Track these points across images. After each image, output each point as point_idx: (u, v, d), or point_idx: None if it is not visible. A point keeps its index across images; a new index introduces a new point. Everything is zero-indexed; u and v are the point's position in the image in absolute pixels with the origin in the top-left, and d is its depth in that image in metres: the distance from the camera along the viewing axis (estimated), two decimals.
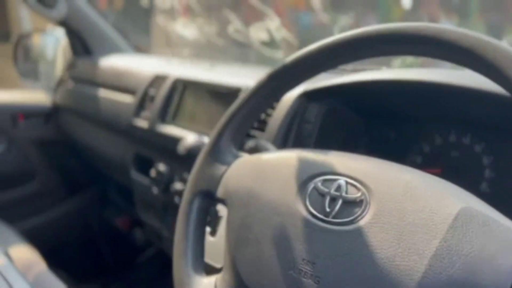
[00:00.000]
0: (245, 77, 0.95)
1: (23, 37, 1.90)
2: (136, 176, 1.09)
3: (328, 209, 0.42)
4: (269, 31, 1.16)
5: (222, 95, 0.91)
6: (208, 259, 0.77)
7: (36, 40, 2.19)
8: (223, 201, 0.53)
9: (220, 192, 0.54)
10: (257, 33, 1.19)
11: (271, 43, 1.20)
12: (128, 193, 1.60)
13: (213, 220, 0.80)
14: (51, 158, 1.57)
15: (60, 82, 1.52)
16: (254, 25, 1.18)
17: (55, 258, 1.16)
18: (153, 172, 1.01)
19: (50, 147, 1.56)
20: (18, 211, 1.51)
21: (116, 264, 1.67)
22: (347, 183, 0.43)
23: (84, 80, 1.39)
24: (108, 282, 1.61)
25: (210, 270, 0.77)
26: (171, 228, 0.98)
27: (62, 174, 1.61)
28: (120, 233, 1.58)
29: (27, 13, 5.40)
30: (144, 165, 1.08)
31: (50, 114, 1.54)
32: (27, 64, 2.09)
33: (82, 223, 1.66)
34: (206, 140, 0.73)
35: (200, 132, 0.92)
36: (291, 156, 0.49)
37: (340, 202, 0.42)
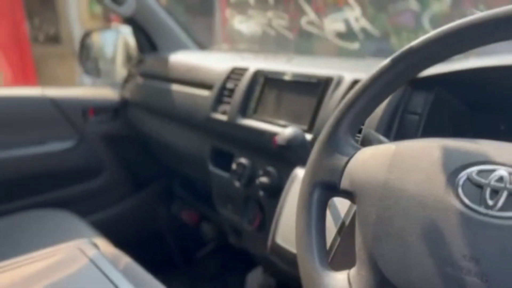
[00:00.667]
0: (332, 68, 0.92)
1: (86, 36, 1.95)
2: (214, 170, 1.09)
3: (490, 202, 0.39)
4: (346, 22, 1.12)
5: (309, 86, 0.89)
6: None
7: (96, 39, 2.25)
8: (349, 194, 0.51)
9: (345, 184, 0.51)
10: (332, 24, 1.15)
11: (347, 34, 1.16)
12: (193, 188, 1.61)
13: None
14: (118, 153, 1.61)
15: (128, 78, 1.54)
16: (329, 16, 1.15)
17: (122, 251, 1.18)
18: (234, 166, 1.00)
19: (118, 142, 1.59)
20: (86, 205, 1.56)
21: (181, 257, 1.69)
22: (510, 174, 0.39)
23: (154, 76, 1.40)
24: (173, 275, 1.63)
25: None
26: (253, 222, 0.97)
27: (128, 169, 1.65)
28: (186, 227, 1.60)
29: (76, 15, 5.60)
30: (223, 159, 1.08)
31: (119, 109, 1.57)
32: (88, 62, 2.15)
33: (148, 217, 1.69)
34: (303, 133, 0.71)
35: (284, 125, 0.90)
36: (431, 145, 0.46)
37: (505, 194, 0.38)
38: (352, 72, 0.85)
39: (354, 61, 1.03)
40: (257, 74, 1.01)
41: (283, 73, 0.95)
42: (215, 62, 1.18)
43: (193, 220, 1.54)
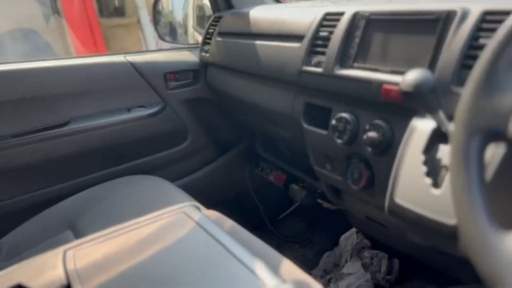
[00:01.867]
0: (448, 1, 0.79)
1: (157, 1, 1.92)
2: (309, 128, 1.02)
3: None
4: None
5: (425, 24, 0.77)
6: (435, 214, 0.67)
7: (166, 4, 2.22)
8: None
9: None
10: None
11: None
12: (276, 148, 1.56)
13: (435, 169, 0.69)
14: (201, 116, 1.59)
15: (206, 39, 1.49)
16: None
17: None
18: (333, 122, 0.92)
19: (200, 105, 1.57)
20: (174, 170, 1.57)
21: (269, 217, 1.67)
22: None
23: (234, 33, 1.34)
24: (262, 234, 1.63)
25: (440, 228, 0.67)
26: (358, 182, 0.89)
27: (212, 132, 1.63)
28: (272, 187, 1.56)
29: None
30: (319, 115, 1.00)
31: (199, 72, 1.53)
32: (162, 27, 2.14)
33: (233, 179, 1.68)
34: (428, 74, 0.60)
35: (394, 72, 0.80)
36: None
37: None
38: (477, 2, 0.72)
39: None
40: (357, 17, 0.90)
41: (390, 13, 0.84)
42: (302, 11, 1.09)
43: (281, 181, 1.50)
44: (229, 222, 0.89)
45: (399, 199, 0.73)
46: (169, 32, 2.23)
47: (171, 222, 0.83)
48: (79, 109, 1.33)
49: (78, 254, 0.78)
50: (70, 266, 0.75)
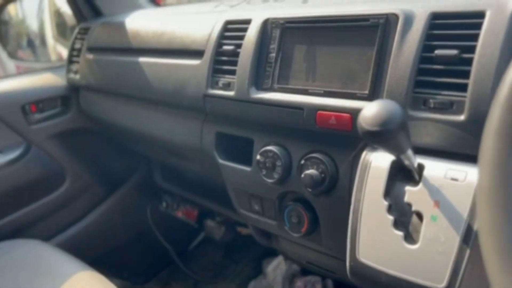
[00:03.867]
0: (382, 2, 0.66)
1: (2, 7, 1.53)
2: (226, 163, 0.82)
3: None
4: None
5: (358, 31, 0.62)
6: (419, 277, 0.53)
7: (13, 11, 1.81)
8: None
9: None
10: None
11: None
12: (180, 176, 1.33)
13: (404, 218, 0.55)
14: (79, 151, 1.29)
15: (72, 56, 1.19)
16: None
17: (109, 263, 0.94)
18: (258, 156, 0.74)
19: (76, 138, 1.27)
20: (51, 224, 1.25)
21: (177, 252, 1.43)
22: None
23: (110, 49, 1.07)
24: (173, 271, 1.40)
25: None
26: (298, 227, 0.73)
27: (95, 168, 1.33)
28: (182, 224, 1.33)
29: None
30: (236, 147, 0.81)
31: (69, 98, 1.23)
32: (10, 42, 1.74)
33: (133, 220, 1.40)
34: (397, 107, 0.45)
35: (328, 94, 0.65)
36: None
37: None
38: (416, 2, 0.60)
39: None
40: (268, 25, 0.73)
41: (310, 19, 0.68)
42: (196, 20, 0.88)
43: (192, 218, 1.28)
44: None
45: (364, 258, 0.58)
46: (24, 46, 1.83)
47: None
48: None
49: None
50: None
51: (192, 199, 1.26)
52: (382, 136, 0.45)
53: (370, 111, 0.45)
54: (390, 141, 0.46)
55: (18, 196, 1.16)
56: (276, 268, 1.28)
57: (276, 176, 0.72)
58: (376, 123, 0.44)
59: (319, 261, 0.79)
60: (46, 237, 1.13)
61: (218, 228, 1.20)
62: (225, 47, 0.78)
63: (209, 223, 1.23)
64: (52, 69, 1.29)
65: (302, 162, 0.69)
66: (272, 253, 1.38)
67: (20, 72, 1.27)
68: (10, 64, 4.77)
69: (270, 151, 0.72)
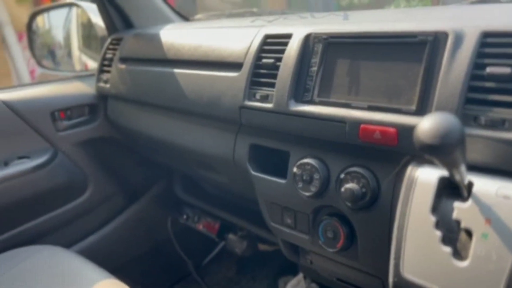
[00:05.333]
0: (424, 20, 0.67)
1: (33, 19, 1.57)
2: (261, 175, 0.82)
3: None
4: None
5: (406, 48, 0.63)
6: None
7: (41, 21, 1.85)
8: None
9: None
10: None
11: None
12: (201, 189, 1.33)
13: (452, 234, 0.54)
14: (103, 160, 1.29)
15: (103, 66, 1.21)
16: None
17: (126, 272, 0.94)
18: (295, 169, 0.74)
19: (100, 146, 1.28)
20: (72, 232, 1.25)
21: (194, 265, 1.42)
22: None
23: (143, 60, 1.08)
24: (189, 284, 1.38)
25: None
26: (334, 242, 0.72)
27: (117, 178, 1.33)
28: (202, 237, 1.32)
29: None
30: (271, 160, 0.81)
31: (97, 106, 1.24)
32: (40, 51, 1.77)
33: (152, 230, 1.40)
34: (451, 118, 0.45)
35: (372, 108, 0.65)
36: None
37: None
38: (467, 21, 0.60)
39: (442, 8, 0.79)
40: (310, 40, 0.74)
41: (355, 35, 0.69)
42: (234, 33, 0.89)
43: (213, 231, 1.27)
44: None
45: (410, 274, 0.57)
46: (52, 55, 1.87)
47: None
48: None
49: None
50: None
51: (213, 212, 1.25)
52: (441, 150, 0.44)
53: (429, 124, 0.45)
54: (448, 155, 0.46)
55: (42, 201, 1.16)
56: (295, 287, 1.26)
57: (313, 189, 0.72)
58: (436, 136, 0.44)
59: (351, 278, 0.77)
60: (67, 244, 1.13)
61: (240, 242, 1.19)
62: (265, 60, 0.79)
63: (231, 237, 1.22)
64: (81, 77, 1.31)
65: (342, 176, 0.68)
66: (287, 271, 1.37)
67: (50, 80, 1.28)
68: (23, 65, 4.84)
69: (308, 164, 0.72)
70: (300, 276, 1.30)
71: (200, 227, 1.29)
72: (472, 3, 0.86)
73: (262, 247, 1.29)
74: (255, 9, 1.27)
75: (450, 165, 0.49)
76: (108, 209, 1.32)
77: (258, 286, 1.45)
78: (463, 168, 0.50)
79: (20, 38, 5.14)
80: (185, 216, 1.33)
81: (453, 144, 0.44)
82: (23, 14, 5.29)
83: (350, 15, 0.81)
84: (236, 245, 1.21)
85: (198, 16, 1.40)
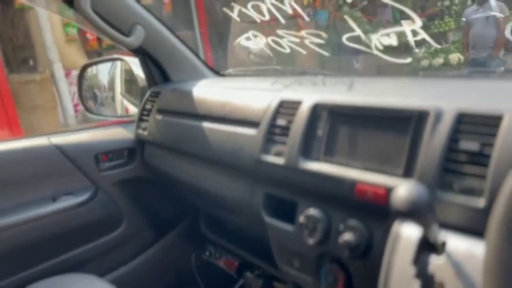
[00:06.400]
0: (413, 95, 0.78)
1: (84, 70, 1.77)
2: (272, 221, 0.93)
3: None
4: (400, 35, 0.99)
5: (395, 121, 0.74)
6: None
7: (90, 71, 2.07)
8: None
9: None
10: (380, 38, 1.02)
11: (396, 49, 1.03)
12: (224, 228, 1.44)
13: (429, 286, 0.63)
14: (137, 197, 1.43)
15: (142, 115, 1.37)
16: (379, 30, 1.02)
17: None
18: (301, 219, 0.84)
19: (136, 185, 1.42)
20: (107, 261, 1.38)
21: None
22: None
23: (177, 113, 1.24)
24: None
25: None
26: (333, 286, 0.81)
27: (149, 213, 1.47)
28: (223, 275, 1.43)
29: (51, 40, 5.36)
30: (282, 208, 0.92)
31: (135, 150, 1.40)
32: (88, 98, 1.97)
33: (177, 265, 1.51)
34: (424, 190, 0.56)
35: (367, 169, 0.76)
36: None
37: None
38: (446, 100, 0.71)
39: (428, 83, 0.90)
40: (317, 108, 0.86)
41: (354, 107, 0.80)
42: (255, 96, 1.03)
43: (232, 268, 1.37)
44: None
45: None
46: (94, 97, 2.06)
47: None
48: None
49: None
50: None
51: (233, 250, 1.36)
52: (411, 215, 0.55)
53: (402, 192, 0.56)
54: (418, 219, 0.56)
55: (82, 234, 1.30)
56: None
57: (317, 237, 0.82)
58: (406, 204, 0.55)
59: None
60: (101, 273, 1.25)
61: (256, 280, 1.29)
62: (279, 121, 0.92)
63: (248, 275, 1.32)
64: (122, 124, 1.48)
65: (341, 227, 0.79)
66: None
67: (94, 125, 1.47)
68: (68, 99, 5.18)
69: (313, 215, 0.83)
70: None
71: (221, 263, 1.40)
72: (469, 73, 0.97)
73: (279, 286, 1.37)
74: (278, 67, 1.41)
75: (422, 225, 0.59)
76: (139, 243, 1.45)
77: None
78: (434, 228, 0.60)
79: (67, 74, 5.55)
80: (208, 253, 1.44)
81: (421, 210, 0.55)
82: (71, 53, 5.73)
83: (355, 84, 0.93)
84: (252, 283, 1.30)
85: (229, 71, 1.56)
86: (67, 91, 5.56)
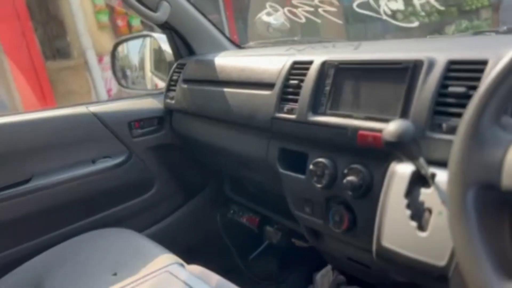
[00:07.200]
0: (413, 50, 0.85)
1: (116, 47, 1.91)
2: (286, 172, 1.03)
3: None
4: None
5: (394, 72, 0.82)
6: (425, 256, 0.70)
7: (121, 49, 2.20)
8: None
9: (507, 183, 0.45)
10: (388, 3, 1.09)
11: (403, 13, 1.09)
12: (246, 189, 1.56)
13: (418, 213, 0.71)
14: (167, 163, 1.56)
15: (170, 86, 1.49)
16: None
17: (185, 256, 1.14)
18: (311, 166, 0.94)
19: (165, 152, 1.55)
20: (142, 219, 1.52)
21: (242, 258, 1.64)
22: None
23: (200, 81, 1.35)
24: (237, 276, 1.60)
25: (430, 269, 0.69)
26: (340, 225, 0.91)
27: (178, 178, 1.60)
28: (243, 227, 1.55)
29: (84, 27, 5.58)
30: (294, 160, 1.02)
31: (164, 118, 1.52)
32: (120, 73, 2.11)
33: (203, 223, 1.65)
34: (410, 125, 0.64)
35: (368, 118, 0.84)
36: None
37: None
38: (440, 52, 0.78)
39: (429, 41, 0.97)
40: (325, 66, 0.94)
41: (358, 62, 0.89)
42: (270, 60, 1.12)
43: (254, 224, 1.49)
44: (215, 278, 0.87)
45: (387, 243, 0.75)
46: (124, 76, 2.20)
47: (158, 283, 0.80)
48: (41, 164, 1.27)
49: None
50: None
51: (254, 208, 1.48)
52: (397, 145, 0.64)
53: (391, 127, 0.65)
54: (403, 149, 0.65)
55: (119, 193, 1.44)
56: (324, 276, 1.44)
57: (324, 182, 0.91)
58: (393, 136, 0.64)
59: (358, 256, 0.95)
60: (138, 229, 1.38)
61: (276, 233, 1.40)
62: (291, 81, 1.01)
63: (268, 228, 1.44)
64: (152, 95, 1.61)
65: (345, 171, 0.88)
66: (320, 267, 1.54)
67: (127, 97, 1.60)
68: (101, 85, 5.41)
69: (320, 162, 0.92)
70: (329, 267, 1.48)
71: (244, 220, 1.52)
72: (474, 33, 1.03)
73: (299, 242, 1.48)
74: (296, 38, 1.49)
75: (410, 158, 0.68)
76: (170, 204, 1.59)
77: (296, 278, 1.64)
78: (421, 160, 0.68)
79: (100, 60, 5.78)
80: (232, 211, 1.57)
81: (407, 142, 0.63)
82: (103, 40, 5.95)
83: (362, 45, 1.01)
84: (272, 236, 1.42)
85: (250, 43, 1.65)
86: (100, 77, 5.78)
